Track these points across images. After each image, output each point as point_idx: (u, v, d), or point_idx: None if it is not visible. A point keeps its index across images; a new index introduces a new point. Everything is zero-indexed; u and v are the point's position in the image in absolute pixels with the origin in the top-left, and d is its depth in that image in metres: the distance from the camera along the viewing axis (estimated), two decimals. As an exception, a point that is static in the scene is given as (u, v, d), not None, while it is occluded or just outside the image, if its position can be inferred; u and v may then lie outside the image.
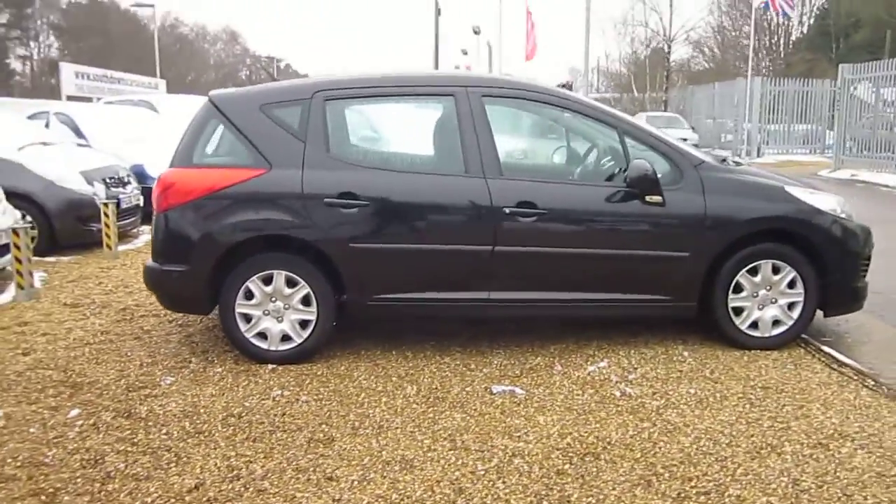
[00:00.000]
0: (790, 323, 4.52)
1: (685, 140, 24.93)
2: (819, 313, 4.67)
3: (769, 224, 4.44)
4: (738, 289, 4.47)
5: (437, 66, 39.86)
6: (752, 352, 4.47)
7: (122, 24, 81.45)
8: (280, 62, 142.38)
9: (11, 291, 5.84)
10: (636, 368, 4.24)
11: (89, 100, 15.51)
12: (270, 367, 4.29)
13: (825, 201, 4.56)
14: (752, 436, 3.35)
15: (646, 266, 4.39)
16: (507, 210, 4.23)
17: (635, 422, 3.52)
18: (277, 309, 4.31)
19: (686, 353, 4.47)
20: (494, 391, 3.94)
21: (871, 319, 5.25)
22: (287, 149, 4.27)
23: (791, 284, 4.48)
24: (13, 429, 3.47)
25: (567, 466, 3.10)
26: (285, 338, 4.33)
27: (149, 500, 2.87)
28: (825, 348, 4.53)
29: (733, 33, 50.11)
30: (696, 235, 4.37)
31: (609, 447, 3.26)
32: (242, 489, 2.94)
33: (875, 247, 4.78)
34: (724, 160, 4.96)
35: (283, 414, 3.66)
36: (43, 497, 2.89)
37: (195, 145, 4.36)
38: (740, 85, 26.38)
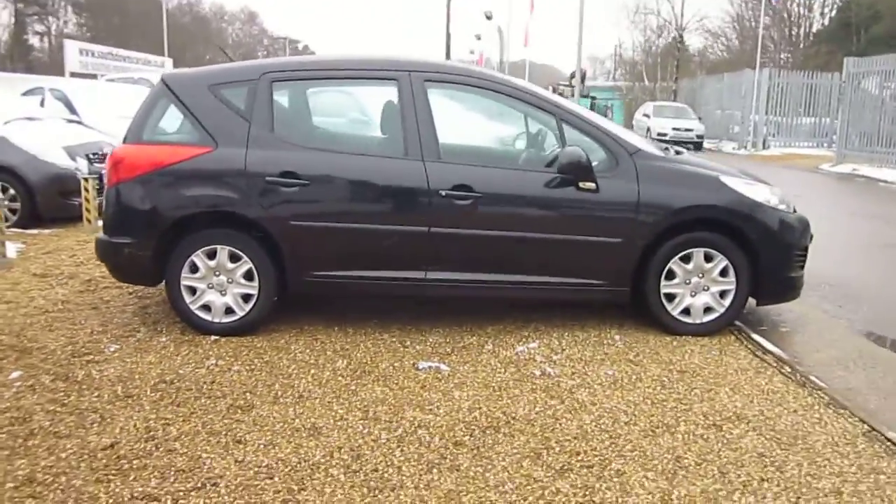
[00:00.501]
0: (721, 310, 4.63)
1: (690, 130, 24.79)
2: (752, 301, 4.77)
3: (701, 213, 4.53)
4: (671, 275, 4.58)
5: (448, 50, 39.89)
6: (683, 337, 4.59)
7: (140, 3, 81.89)
8: (298, 43, 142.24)
9: (-16, 261, 6.04)
10: (564, 350, 4.36)
11: (94, 76, 15.76)
12: (213, 338, 4.45)
13: (760, 192, 4.65)
14: (653, 415, 3.48)
15: (580, 251, 4.51)
16: (444, 192, 4.36)
17: (545, 399, 3.66)
18: (221, 283, 4.46)
19: (618, 337, 4.59)
20: (420, 367, 4.08)
21: (814, 311, 5.34)
22: (233, 128, 4.41)
23: (723, 273, 4.58)
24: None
25: (467, 438, 3.24)
26: (228, 310, 4.49)
27: (64, 455, 3.04)
28: (755, 336, 4.63)
29: (752, 23, 49.56)
30: (629, 222, 4.47)
31: (512, 422, 3.40)
32: (153, 449, 3.10)
33: (857, 241, 4.86)
34: (665, 149, 5.04)
35: (213, 382, 3.82)
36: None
37: (146, 122, 4.51)
38: (748, 76, 26.20)
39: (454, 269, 4.51)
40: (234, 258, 4.43)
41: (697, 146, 26.10)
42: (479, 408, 3.55)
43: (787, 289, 4.76)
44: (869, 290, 6.16)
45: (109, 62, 17.89)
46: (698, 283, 4.60)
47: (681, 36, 34.26)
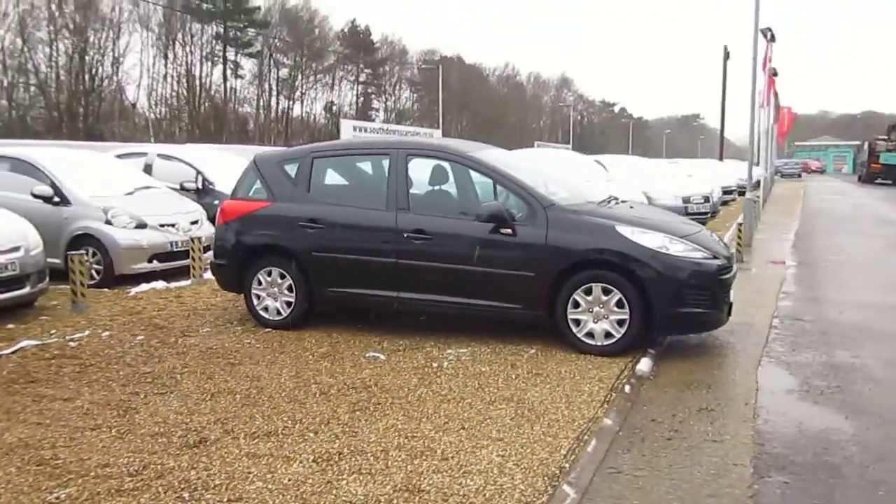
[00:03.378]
0: (618, 336, 5.61)
1: None
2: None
3: (594, 254, 5.63)
4: (577, 304, 5.70)
5: (723, 106, 39.37)
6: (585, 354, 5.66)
7: (466, 77, 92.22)
8: (614, 106, 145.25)
9: (189, 280, 8.99)
10: (479, 356, 5.73)
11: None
12: (267, 330, 6.62)
13: (651, 240, 5.58)
14: (464, 395, 4.82)
15: (503, 281, 5.87)
16: (406, 234, 6.08)
17: (412, 379, 5.17)
18: (274, 293, 6.64)
19: (533, 351, 5.81)
20: (367, 356, 5.80)
21: (756, 349, 5.91)
22: (286, 189, 6.64)
23: (619, 304, 5.58)
24: (104, 340, 6.30)
25: (332, 391, 4.92)
26: (278, 312, 6.64)
27: (122, 373, 5.36)
28: (645, 357, 5.51)
29: None
30: (539, 260, 5.74)
31: (370, 387, 5.00)
32: (165, 376, 5.29)
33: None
34: (604, 202, 6.16)
35: (236, 351, 5.95)
36: (90, 361, 5.58)
37: (241, 185, 6.94)
38: None
39: (416, 290, 6.16)
40: (281, 276, 6.59)
41: None
42: (364, 379, 5.19)
43: (684, 323, 5.58)
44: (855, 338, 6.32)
45: (377, 133, 21.92)
46: (599, 312, 5.65)
47: None
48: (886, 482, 3.59)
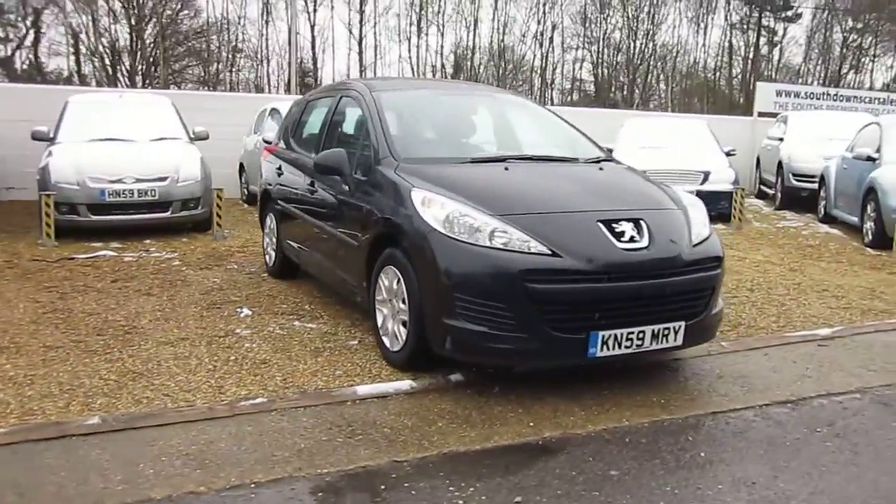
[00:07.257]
0: (401, 343, 4.05)
1: None
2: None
3: (385, 226, 4.12)
4: (381, 291, 4.29)
5: None
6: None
7: None
8: None
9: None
10: (312, 332, 4.87)
11: (773, 115, 16.14)
12: (264, 275, 6.67)
13: (437, 213, 3.79)
14: (155, 353, 4.28)
15: (341, 248, 4.81)
16: (307, 185, 5.41)
17: (174, 333, 4.76)
18: (271, 241, 6.59)
19: (355, 343, 4.64)
20: (237, 310, 5.45)
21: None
22: (285, 133, 6.51)
23: (405, 299, 4.01)
24: (154, 259, 7.27)
25: (113, 327, 4.91)
26: (271, 258, 6.60)
27: (91, 284, 6.22)
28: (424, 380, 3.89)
29: None
30: (360, 226, 4.50)
31: (136, 329, 4.83)
32: (100, 290, 5.96)
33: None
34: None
35: (189, 284, 6.24)
36: (102, 272, 6.64)
37: (279, 130, 7.00)
38: None
39: (308, 247, 5.50)
40: (273, 223, 6.52)
41: None
42: (220, 327, 5.01)
43: (459, 342, 3.67)
44: None
45: (804, 101, 17.50)
46: (394, 306, 4.16)
47: None
48: None
